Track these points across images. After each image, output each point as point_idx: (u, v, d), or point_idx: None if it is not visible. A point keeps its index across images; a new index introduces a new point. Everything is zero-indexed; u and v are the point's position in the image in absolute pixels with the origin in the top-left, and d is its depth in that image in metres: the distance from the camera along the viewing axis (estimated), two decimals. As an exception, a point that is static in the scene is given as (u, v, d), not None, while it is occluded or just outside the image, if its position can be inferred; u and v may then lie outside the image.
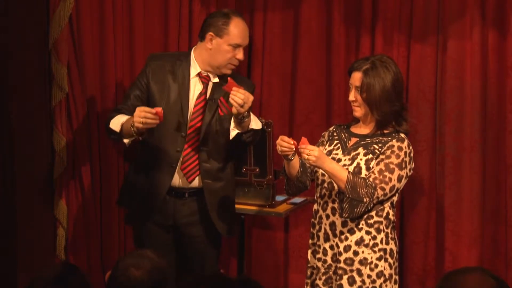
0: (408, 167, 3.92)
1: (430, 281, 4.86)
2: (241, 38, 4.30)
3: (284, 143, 3.86)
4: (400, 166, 3.88)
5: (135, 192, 4.47)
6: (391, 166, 3.86)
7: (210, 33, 4.29)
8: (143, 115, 4.06)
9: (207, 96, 4.33)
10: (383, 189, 3.84)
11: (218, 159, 4.37)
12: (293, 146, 3.84)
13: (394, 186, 3.87)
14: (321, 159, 3.82)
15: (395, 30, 4.80)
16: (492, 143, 4.76)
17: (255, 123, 4.21)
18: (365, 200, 3.82)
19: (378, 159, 3.87)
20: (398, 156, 3.88)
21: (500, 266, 4.77)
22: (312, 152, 3.80)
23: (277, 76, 5.01)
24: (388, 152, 3.88)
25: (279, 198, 4.85)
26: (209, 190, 4.37)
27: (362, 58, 4.06)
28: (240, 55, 4.29)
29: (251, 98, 4.08)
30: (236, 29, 4.29)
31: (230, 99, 4.04)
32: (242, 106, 4.04)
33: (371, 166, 3.87)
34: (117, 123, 4.24)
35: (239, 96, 4.03)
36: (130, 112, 4.21)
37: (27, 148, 4.94)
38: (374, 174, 3.84)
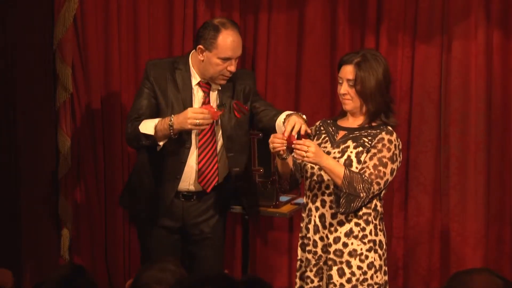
0: (398, 159, 3.93)
1: (435, 282, 4.86)
2: (231, 51, 4.20)
3: (277, 139, 3.86)
4: (392, 160, 3.89)
5: (138, 195, 4.48)
6: (384, 160, 3.86)
7: (200, 46, 4.23)
8: (201, 116, 4.04)
9: (217, 103, 4.31)
10: (378, 184, 3.85)
11: (244, 160, 4.47)
12: (285, 142, 3.82)
13: (387, 180, 3.88)
14: (319, 155, 3.81)
15: (400, 31, 4.80)
16: (497, 143, 4.77)
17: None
18: (361, 195, 3.82)
19: (370, 153, 3.87)
20: (389, 150, 3.88)
21: (505, 267, 4.77)
22: (310, 149, 3.79)
23: (281, 77, 5.01)
24: (379, 145, 3.88)
25: (283, 198, 4.84)
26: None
27: (351, 52, 4.06)
28: (231, 67, 4.21)
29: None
30: (225, 43, 4.19)
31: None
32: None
33: (362, 159, 3.88)
34: (148, 126, 4.19)
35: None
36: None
37: (32, 148, 4.94)
38: (369, 169, 3.85)
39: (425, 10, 4.76)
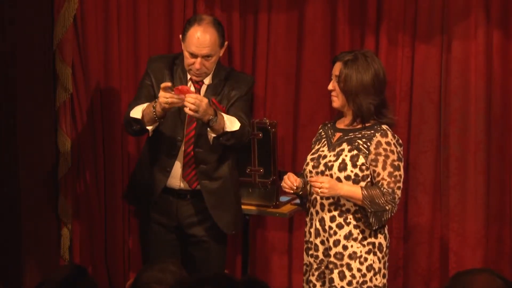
0: (401, 153, 3.97)
1: (435, 282, 4.86)
2: (194, 47, 4.18)
3: (288, 182, 3.95)
4: (400, 159, 3.94)
5: (136, 189, 4.51)
6: (395, 163, 3.91)
7: (180, 35, 4.29)
8: (168, 95, 4.04)
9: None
10: (399, 188, 3.92)
11: (213, 159, 4.34)
12: (295, 187, 3.95)
13: (402, 178, 3.94)
14: (334, 188, 3.87)
15: (400, 31, 4.80)
16: (497, 143, 4.77)
17: (230, 125, 4.15)
18: (387, 208, 3.88)
19: (379, 163, 3.89)
20: (392, 152, 3.93)
21: (504, 267, 4.77)
22: (323, 185, 3.84)
23: (281, 77, 5.01)
24: (382, 151, 3.91)
25: (283, 198, 4.85)
26: (207, 190, 4.35)
27: (348, 50, 4.10)
28: (196, 64, 4.21)
29: (204, 101, 4.03)
30: (191, 37, 4.19)
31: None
32: (196, 112, 4.01)
33: (358, 163, 3.90)
34: (137, 111, 4.22)
35: (189, 101, 4.00)
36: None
37: (32, 148, 4.94)
38: (386, 179, 3.88)
39: (425, 10, 4.76)
